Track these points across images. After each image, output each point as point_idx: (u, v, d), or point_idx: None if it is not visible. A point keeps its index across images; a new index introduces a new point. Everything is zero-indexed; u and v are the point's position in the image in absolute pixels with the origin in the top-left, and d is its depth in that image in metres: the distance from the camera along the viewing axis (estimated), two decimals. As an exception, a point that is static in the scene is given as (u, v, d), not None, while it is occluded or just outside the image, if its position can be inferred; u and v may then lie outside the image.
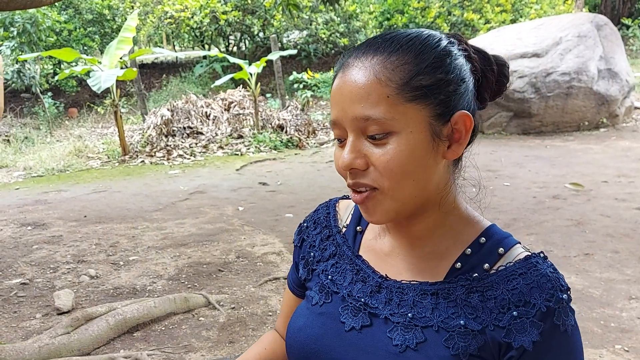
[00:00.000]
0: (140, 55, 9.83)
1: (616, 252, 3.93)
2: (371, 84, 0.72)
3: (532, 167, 6.65)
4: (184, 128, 9.02)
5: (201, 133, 9.08)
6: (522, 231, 4.41)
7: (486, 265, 0.78)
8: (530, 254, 0.77)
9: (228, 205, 5.64)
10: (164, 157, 8.19)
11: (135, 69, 8.65)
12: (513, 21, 13.63)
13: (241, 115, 9.42)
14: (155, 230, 4.88)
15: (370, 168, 0.74)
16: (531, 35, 9.06)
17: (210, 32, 13.95)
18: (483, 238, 0.80)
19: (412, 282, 0.80)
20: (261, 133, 8.93)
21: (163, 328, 3.14)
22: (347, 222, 0.93)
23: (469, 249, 0.80)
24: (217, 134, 9.05)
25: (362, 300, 0.83)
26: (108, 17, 12.72)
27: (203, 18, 12.87)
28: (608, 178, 5.96)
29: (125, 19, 12.58)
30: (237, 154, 8.38)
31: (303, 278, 0.95)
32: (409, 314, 0.78)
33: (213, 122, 9.30)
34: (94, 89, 7.13)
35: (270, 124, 9.23)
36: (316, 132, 9.47)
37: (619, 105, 8.83)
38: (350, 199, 0.92)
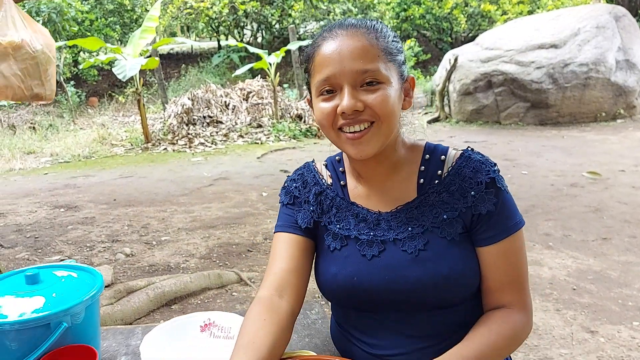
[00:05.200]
0: (163, 44, 10.00)
1: (634, 237, 4.03)
2: (365, 46, 0.97)
3: (549, 157, 6.73)
4: (204, 117, 9.19)
5: (221, 122, 9.25)
6: (540, 217, 4.52)
7: (439, 172, 1.05)
8: (462, 150, 1.07)
9: (252, 191, 5.80)
10: (186, 144, 8.37)
11: (157, 58, 8.83)
12: (530, 12, 13.59)
13: (260, 105, 9.57)
14: (184, 213, 5.06)
15: (366, 109, 0.97)
16: (549, 26, 9.08)
17: (228, 23, 14.08)
18: (427, 155, 1.08)
19: (398, 208, 1.05)
20: (280, 122, 9.07)
21: (199, 302, 3.31)
22: (330, 180, 1.14)
23: (422, 167, 1.07)
24: (236, 123, 9.21)
25: (371, 234, 1.05)
26: (128, 8, 12.90)
27: (222, 8, 13.00)
28: (625, 167, 6.03)
29: (146, 10, 12.76)
30: (257, 143, 8.53)
31: (304, 227, 1.11)
32: (409, 228, 1.03)
33: (232, 112, 9.46)
34: (119, 77, 7.32)
35: (289, 114, 9.37)
36: (334, 121, 9.59)
37: (636, 96, 8.84)
38: (314, 163, 1.18)
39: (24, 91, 2.71)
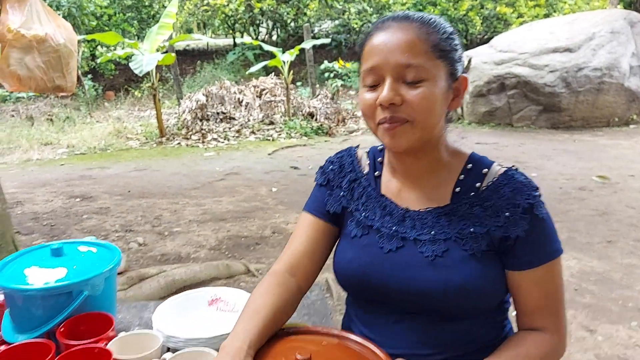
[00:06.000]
0: (180, 40, 10.14)
1: (639, 241, 4.06)
2: (414, 40, 0.96)
3: (559, 160, 6.75)
4: (218, 113, 9.31)
5: (234, 118, 9.37)
6: (546, 219, 4.56)
7: (478, 184, 1.03)
8: (506, 168, 1.04)
9: (262, 186, 5.90)
10: (199, 140, 8.50)
11: (173, 54, 8.97)
12: (546, 16, 13.55)
13: (272, 102, 9.67)
14: (195, 206, 5.17)
15: (403, 105, 0.96)
16: (564, 30, 9.08)
17: (244, 21, 14.21)
18: (470, 164, 1.06)
19: (427, 209, 1.05)
20: (292, 120, 9.17)
21: (208, 291, 3.42)
22: (367, 169, 1.15)
23: (462, 175, 1.05)
24: (249, 120, 9.32)
25: (393, 228, 1.06)
26: (146, 3, 13.09)
27: (238, 6, 13.13)
28: (635, 172, 6.04)
29: (163, 6, 12.93)
30: (269, 139, 8.63)
31: (332, 212, 1.13)
32: (432, 232, 1.02)
33: (245, 108, 9.58)
34: (136, 72, 7.46)
35: (301, 112, 9.46)
36: (345, 120, 9.66)
37: (650, 102, 8.80)
38: (357, 149, 1.19)
39: (46, 83, 2.83)
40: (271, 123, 9.28)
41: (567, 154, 7.10)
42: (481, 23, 13.98)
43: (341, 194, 1.13)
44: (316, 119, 9.30)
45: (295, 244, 1.14)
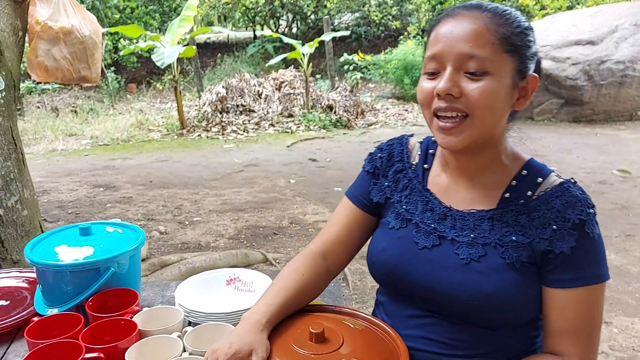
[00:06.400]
0: (201, 33, 10.23)
1: (658, 235, 4.03)
2: (481, 30, 0.91)
3: (580, 154, 6.68)
4: (237, 105, 9.41)
5: (253, 111, 9.45)
6: (565, 212, 4.54)
7: (529, 192, 0.98)
8: (563, 180, 0.98)
9: (280, 178, 5.96)
10: (219, 132, 8.61)
11: (194, 47, 9.07)
12: (569, 8, 13.33)
13: (292, 95, 9.73)
14: (215, 196, 5.26)
15: (462, 97, 0.92)
16: (587, 22, 8.94)
17: (264, 13, 14.27)
18: (525, 170, 1.00)
19: (471, 211, 1.01)
20: (311, 112, 9.22)
21: (227, 278, 3.50)
22: (416, 159, 1.12)
23: (514, 181, 1.00)
24: (268, 112, 9.39)
25: (432, 225, 1.02)
26: (167, -3, 13.23)
27: (258, -1, 13.18)
28: (657, 167, 5.96)
29: (184, -1, 13.02)
30: (288, 132, 8.69)
31: (375, 201, 1.12)
32: (471, 235, 0.98)
33: (265, 101, 9.65)
34: (158, 64, 7.57)
35: (320, 104, 9.50)
36: (364, 113, 9.67)
37: (675, 96, 8.63)
38: (410, 137, 1.14)
39: (72, 73, 2.92)
40: (290, 115, 9.34)
41: (588, 147, 7.02)
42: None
43: (386, 184, 1.11)
44: (335, 112, 9.33)
45: (331, 228, 1.14)
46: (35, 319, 1.13)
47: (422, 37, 12.29)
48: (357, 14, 14.55)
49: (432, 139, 1.10)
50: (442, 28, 0.95)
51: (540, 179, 0.99)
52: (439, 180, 1.07)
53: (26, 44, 2.81)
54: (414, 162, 1.11)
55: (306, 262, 1.10)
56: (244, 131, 8.69)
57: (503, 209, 0.98)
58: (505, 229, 0.96)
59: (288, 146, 7.68)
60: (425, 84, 0.96)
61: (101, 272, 1.17)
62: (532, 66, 0.96)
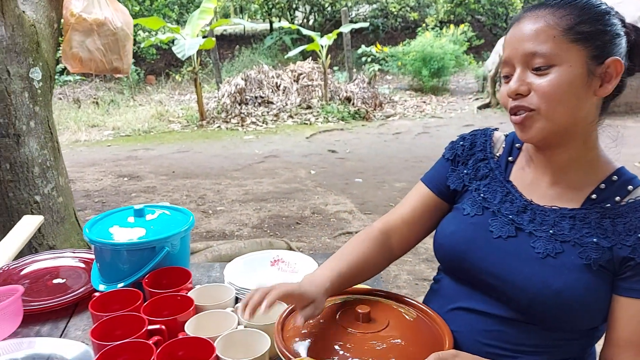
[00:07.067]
0: (219, 25, 10.30)
1: (682, 227, 4.02)
2: (541, 27, 0.93)
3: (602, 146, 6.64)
4: (256, 97, 9.48)
5: (272, 102, 9.51)
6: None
7: (617, 198, 0.97)
8: None
9: (301, 169, 6.03)
10: (238, 123, 8.69)
11: (213, 39, 9.14)
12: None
13: (310, 87, 9.77)
14: (237, 186, 5.34)
15: (531, 93, 0.94)
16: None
17: (281, 5, 14.29)
18: (615, 176, 0.99)
19: (552, 207, 1.00)
20: (329, 104, 9.25)
21: (252, 265, 3.58)
22: (500, 152, 1.12)
23: (603, 184, 0.99)
24: (286, 104, 9.45)
25: (510, 216, 1.02)
26: (186, -11, 13.30)
27: (275, -9, 13.20)
28: (680, 159, 5.90)
29: (202, -9, 13.09)
30: (306, 123, 8.74)
31: (452, 188, 1.13)
32: (550, 231, 0.98)
33: (283, 93, 9.71)
34: (179, 56, 7.67)
35: (338, 96, 9.53)
36: (383, 105, 9.69)
37: (699, 88, 8.51)
38: (495, 131, 1.16)
39: (105, 64, 2.99)
40: (308, 107, 9.39)
41: (608, 139, 6.96)
42: (522, 6, 13.66)
43: (465, 171, 1.12)
44: (353, 104, 9.36)
45: (401, 208, 1.16)
46: (97, 294, 1.20)
47: (441, 29, 12.23)
48: (374, 5, 14.51)
49: None
50: (509, 34, 0.99)
51: (630, 187, 0.98)
52: (522, 174, 1.08)
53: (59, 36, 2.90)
54: (497, 154, 1.12)
55: (370, 235, 1.13)
56: (263, 123, 8.76)
57: (587, 210, 0.98)
58: (586, 230, 0.96)
59: (307, 137, 7.74)
60: (502, 88, 0.99)
61: (156, 252, 1.24)
62: (614, 49, 0.94)
